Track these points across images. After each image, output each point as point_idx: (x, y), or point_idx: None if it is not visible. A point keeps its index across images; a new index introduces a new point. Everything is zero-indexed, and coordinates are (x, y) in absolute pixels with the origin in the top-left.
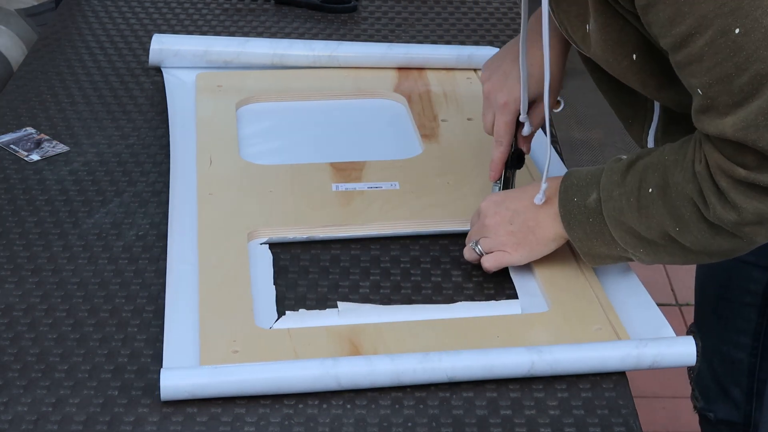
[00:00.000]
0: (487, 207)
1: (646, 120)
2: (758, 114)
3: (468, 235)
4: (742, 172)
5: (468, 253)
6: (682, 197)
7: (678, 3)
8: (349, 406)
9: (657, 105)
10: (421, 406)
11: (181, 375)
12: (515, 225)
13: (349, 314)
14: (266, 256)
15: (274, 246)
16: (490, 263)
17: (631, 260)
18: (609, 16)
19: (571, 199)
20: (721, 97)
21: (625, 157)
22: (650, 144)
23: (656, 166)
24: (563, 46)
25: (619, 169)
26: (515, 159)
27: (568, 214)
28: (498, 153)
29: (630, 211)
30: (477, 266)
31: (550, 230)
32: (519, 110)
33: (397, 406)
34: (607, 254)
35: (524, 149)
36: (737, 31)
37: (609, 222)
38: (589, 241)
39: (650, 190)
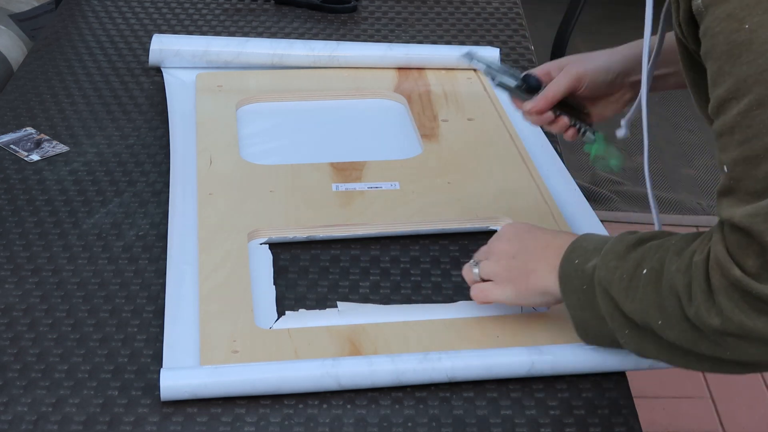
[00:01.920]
0: (505, 231)
1: None
2: None
3: (476, 253)
4: (737, 273)
5: (466, 273)
6: (669, 288)
7: (721, 59)
8: (349, 406)
9: None
10: (422, 406)
11: (181, 375)
12: (517, 260)
13: (349, 314)
14: (266, 256)
15: (274, 246)
16: (476, 296)
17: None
18: (689, 67)
19: (572, 260)
20: (744, 180)
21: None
22: None
23: (659, 248)
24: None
25: (628, 241)
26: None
27: (566, 276)
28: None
29: (619, 287)
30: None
31: (542, 281)
32: (580, 87)
33: (397, 406)
34: (598, 332)
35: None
36: None
37: (599, 293)
38: (582, 312)
39: (644, 271)
